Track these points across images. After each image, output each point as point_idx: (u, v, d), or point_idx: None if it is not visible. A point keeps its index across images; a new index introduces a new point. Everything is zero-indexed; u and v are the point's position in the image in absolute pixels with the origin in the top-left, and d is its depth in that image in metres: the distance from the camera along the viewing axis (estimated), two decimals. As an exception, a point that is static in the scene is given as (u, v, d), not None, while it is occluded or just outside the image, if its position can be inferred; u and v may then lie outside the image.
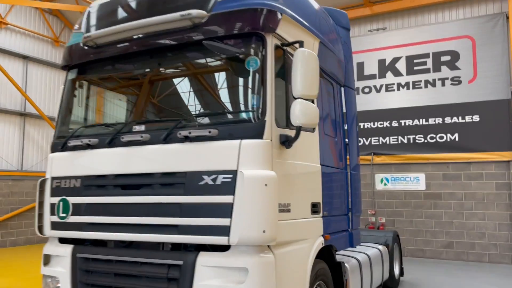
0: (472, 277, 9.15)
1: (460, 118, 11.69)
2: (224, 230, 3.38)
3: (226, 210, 3.40)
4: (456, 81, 11.88)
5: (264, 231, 3.35)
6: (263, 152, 3.51)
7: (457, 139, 11.68)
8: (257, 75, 3.67)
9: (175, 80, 4.24)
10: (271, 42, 3.69)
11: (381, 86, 12.86)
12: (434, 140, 11.92)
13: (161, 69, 4.30)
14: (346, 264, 5.25)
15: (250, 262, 3.37)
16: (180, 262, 3.52)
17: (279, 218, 3.62)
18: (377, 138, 12.67)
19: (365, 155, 12.69)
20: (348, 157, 5.53)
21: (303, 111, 3.57)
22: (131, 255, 3.78)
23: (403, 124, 12.39)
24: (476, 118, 11.51)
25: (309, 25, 4.43)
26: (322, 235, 4.43)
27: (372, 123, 12.79)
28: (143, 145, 3.85)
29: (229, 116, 3.84)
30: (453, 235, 11.49)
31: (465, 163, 11.52)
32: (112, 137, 4.02)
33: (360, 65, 13.18)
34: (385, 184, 12.44)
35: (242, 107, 3.79)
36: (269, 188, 3.42)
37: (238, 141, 3.50)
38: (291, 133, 3.79)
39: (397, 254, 8.26)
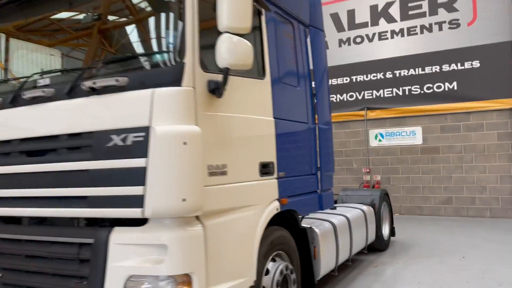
0: (471, 233, 8.57)
1: (459, 64, 10.81)
2: (138, 201, 2.75)
3: (138, 177, 2.75)
4: (454, 24, 10.91)
5: (184, 200, 2.71)
6: (182, 103, 2.83)
7: (455, 87, 10.84)
8: (175, 7, 2.94)
9: (85, 23, 3.50)
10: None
11: (374, 34, 11.91)
12: (431, 90, 11.09)
13: (66, 11, 3.56)
14: (316, 230, 4.66)
15: (168, 238, 2.76)
16: (91, 240, 2.92)
17: (210, 182, 2.98)
18: (371, 91, 11.85)
19: (358, 111, 11.94)
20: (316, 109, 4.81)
21: (230, 49, 2.85)
22: (39, 233, 3.18)
23: (398, 75, 11.53)
24: (476, 64, 10.61)
25: None
26: (278, 199, 3.80)
27: (365, 75, 11.94)
28: (48, 102, 3.19)
29: (142, 59, 3.13)
30: (452, 190, 10.86)
31: (464, 113, 10.73)
32: (14, 95, 3.35)
33: (351, 13, 12.21)
34: (379, 140, 11.74)
35: (157, 48, 3.07)
36: (190, 146, 2.75)
37: (150, 90, 2.81)
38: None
39: (386, 213, 7.66)
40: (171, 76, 2.84)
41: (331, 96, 12.26)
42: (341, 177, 12.16)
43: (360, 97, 12.00)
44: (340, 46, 12.34)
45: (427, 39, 11.20)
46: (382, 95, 11.70)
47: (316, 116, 4.76)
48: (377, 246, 7.09)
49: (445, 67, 10.93)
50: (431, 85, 11.07)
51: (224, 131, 3.17)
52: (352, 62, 12.04)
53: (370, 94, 11.85)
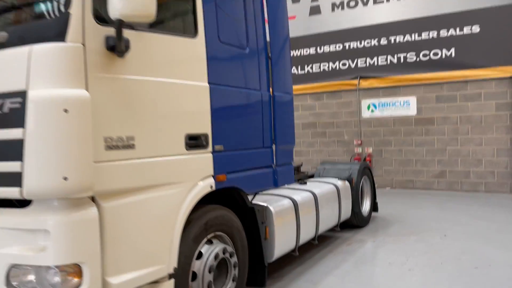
0: (461, 209, 8.12)
1: (457, 29, 10.10)
2: (16, 179, 2.34)
3: (16, 150, 2.33)
4: (454, -15, 10.14)
5: (65, 178, 2.28)
6: (66, 62, 2.36)
7: (453, 55, 10.16)
8: None
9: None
10: None
11: (369, -2, 11.18)
12: (427, 57, 10.43)
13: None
14: (270, 208, 4.25)
15: (51, 222, 2.36)
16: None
17: (109, 157, 2.54)
18: (364, 59, 11.21)
19: (351, 79, 11.34)
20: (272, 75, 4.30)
21: None
22: None
23: (392, 41, 10.85)
24: (475, 28, 9.89)
25: None
26: (213, 176, 3.36)
27: (358, 42, 11.28)
28: None
29: (23, 10, 2.65)
30: (446, 164, 10.34)
31: (461, 82, 10.09)
32: None
33: (345, -25, 11.44)
34: (372, 111, 11.18)
35: (40, -4, 2.59)
36: (73, 115, 2.30)
37: (28, 47, 2.35)
38: (130, 34, 2.62)
39: (367, 188, 7.22)
40: (54, 30, 2.37)
41: (323, 64, 11.68)
42: (332, 149, 11.70)
43: (353, 66, 11.37)
44: (333, 10, 11.64)
45: (425, 3, 10.45)
46: (376, 63, 11.07)
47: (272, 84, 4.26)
48: (355, 222, 6.69)
49: (443, 33, 10.23)
50: (427, 52, 10.40)
51: (131, 97, 2.71)
52: (346, 28, 11.36)
53: (364, 62, 11.22)
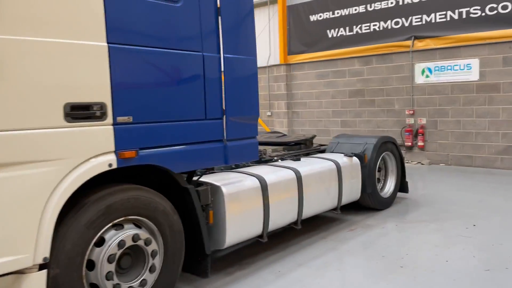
0: (517, 193, 6.83)
1: (535, -24, 8.32)
2: None
3: None
4: None
5: None
6: None
7: (528, 7, 8.43)
8: None
9: None
10: None
11: None
12: (495, 11, 8.78)
13: None
14: (222, 188, 3.71)
15: None
16: None
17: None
18: (420, 16, 9.80)
19: (404, 40, 10.02)
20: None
21: None
22: None
23: (454, -6, 9.31)
24: (558, -27, 8.06)
25: None
26: (115, 152, 2.89)
27: (414, -4, 9.86)
28: None
29: None
30: (512, 138, 8.82)
31: (536, 41, 8.38)
32: None
33: None
34: (427, 76, 9.82)
35: None
36: None
37: None
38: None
39: (392, 165, 6.28)
40: None
41: (374, 23, 10.44)
42: (381, 119, 10.60)
43: (406, 24, 10.01)
44: (386, -39, 10.26)
45: None
46: (433, 20, 9.62)
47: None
48: (371, 204, 5.87)
49: (516, -20, 8.50)
50: (494, 5, 8.75)
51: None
52: (400, -20, 9.98)
53: (419, 20, 9.81)
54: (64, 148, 2.65)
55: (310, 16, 11.63)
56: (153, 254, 3.15)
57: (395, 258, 4.25)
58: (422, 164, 9.96)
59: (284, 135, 6.79)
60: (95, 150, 2.80)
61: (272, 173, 4.36)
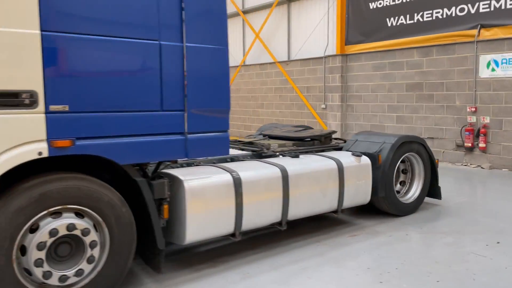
0: None
1: None
2: None
3: None
4: None
5: None
6: None
7: None
8: None
9: None
10: None
11: None
12: None
13: None
14: (184, 182, 3.59)
15: None
16: None
17: None
18: (488, 2, 8.70)
19: (469, 29, 9.00)
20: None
21: None
22: None
23: (530, -25, 8.12)
24: None
25: None
26: (48, 140, 2.89)
27: (483, -20, 8.78)
28: None
29: None
30: None
31: None
32: None
33: None
34: (493, 70, 8.72)
35: None
36: None
37: None
38: None
39: (419, 168, 5.67)
40: None
41: (436, 10, 9.50)
42: (439, 116, 9.69)
43: (473, 11, 8.96)
44: None
45: None
46: (503, 6, 8.49)
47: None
48: (387, 209, 5.35)
49: None
50: None
51: None
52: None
53: (487, 6, 8.72)
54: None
55: (370, 3, 10.91)
56: (92, 245, 3.13)
57: (380, 271, 3.82)
58: (482, 168, 8.91)
59: (306, 128, 6.43)
60: (22, 138, 2.82)
61: (253, 170, 4.14)
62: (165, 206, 3.54)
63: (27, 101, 2.82)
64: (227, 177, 3.88)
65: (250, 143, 5.41)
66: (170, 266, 3.99)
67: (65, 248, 3.09)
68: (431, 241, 4.57)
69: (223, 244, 4.54)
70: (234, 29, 15.58)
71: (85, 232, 3.09)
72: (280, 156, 4.92)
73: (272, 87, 14.27)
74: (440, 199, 5.92)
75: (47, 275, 2.96)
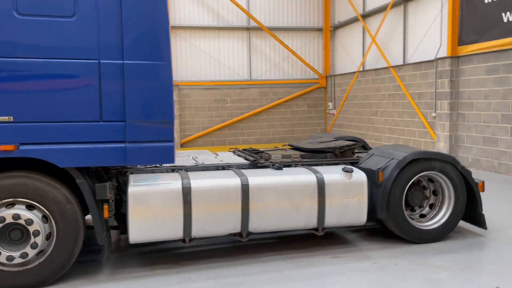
0: None
1: None
2: None
3: None
4: None
5: None
6: None
7: None
8: None
9: None
10: None
11: None
12: None
13: None
14: (129, 188, 3.97)
15: None
16: None
17: None
18: None
19: None
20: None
21: None
22: None
23: None
24: None
25: None
26: (-1, 144, 3.60)
27: None
28: None
29: None
30: None
31: None
32: None
33: None
34: None
35: None
36: None
37: None
38: None
39: (448, 191, 4.86)
40: None
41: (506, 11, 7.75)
42: (505, 139, 7.89)
43: None
44: None
45: None
46: None
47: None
48: (398, 233, 4.75)
49: None
50: None
51: None
52: None
53: None
54: None
55: (486, -3, 9.44)
56: (35, 233, 3.73)
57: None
58: None
59: (333, 140, 6.05)
60: None
61: (208, 179, 4.24)
62: (105, 207, 3.96)
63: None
64: (177, 185, 4.09)
65: (256, 152, 5.42)
66: (124, 263, 4.40)
67: (17, 234, 3.76)
68: (419, 276, 3.94)
69: (191, 250, 4.73)
70: (354, 34, 15.15)
71: (28, 222, 3.72)
72: (274, 167, 4.85)
73: (385, 93, 13.42)
74: (485, 228, 4.95)
75: (-4, 253, 3.67)
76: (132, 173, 4.35)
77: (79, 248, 3.92)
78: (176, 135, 15.22)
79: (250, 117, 16.29)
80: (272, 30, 15.89)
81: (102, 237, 3.90)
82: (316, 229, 4.52)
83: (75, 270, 4.06)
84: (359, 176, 4.59)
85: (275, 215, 4.34)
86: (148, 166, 4.58)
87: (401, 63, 12.67)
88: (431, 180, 5.00)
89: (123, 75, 3.82)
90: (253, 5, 16.06)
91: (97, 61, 3.78)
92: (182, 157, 5.48)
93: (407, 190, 4.85)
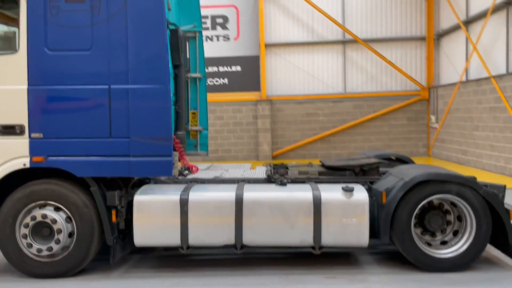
0: None
1: None
2: None
3: None
4: None
5: None
6: None
7: None
8: None
9: None
10: None
11: None
12: None
13: None
14: (135, 197, 4.52)
15: None
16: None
17: None
18: None
19: None
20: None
21: None
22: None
23: None
24: None
25: None
26: (30, 156, 4.42)
27: None
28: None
29: None
30: None
31: None
32: None
33: None
34: None
35: None
36: None
37: None
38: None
39: (470, 217, 4.40)
40: None
41: None
42: None
43: None
44: None
45: None
46: None
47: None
48: (410, 259, 4.46)
49: None
50: None
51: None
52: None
53: None
54: (-2, 152, 4.47)
55: None
56: (58, 231, 4.47)
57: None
58: None
59: (363, 158, 5.81)
60: (15, 154, 4.46)
61: (207, 192, 4.57)
62: (113, 211, 4.53)
63: (18, 131, 4.45)
64: (176, 197, 4.50)
65: (282, 167, 5.50)
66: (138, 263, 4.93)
67: (46, 230, 4.53)
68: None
69: (199, 258, 5.06)
70: (458, 42, 14.02)
71: (53, 221, 4.47)
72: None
73: (486, 106, 12.12)
74: (517, 261, 4.38)
75: (29, 245, 4.48)
76: (148, 183, 4.91)
77: (95, 246, 4.56)
78: (268, 148, 15.73)
79: (343, 131, 16.01)
80: (369, 42, 15.47)
81: (110, 239, 4.49)
82: (313, 248, 4.51)
83: (93, 266, 4.70)
84: (359, 196, 4.45)
85: (268, 230, 4.46)
86: (170, 177, 5.09)
87: (504, 72, 11.41)
88: (454, 204, 4.60)
89: (127, 98, 4.41)
90: (349, 18, 15.86)
91: (107, 86, 4.42)
92: (216, 170, 5.89)
93: (425, 214, 4.56)
